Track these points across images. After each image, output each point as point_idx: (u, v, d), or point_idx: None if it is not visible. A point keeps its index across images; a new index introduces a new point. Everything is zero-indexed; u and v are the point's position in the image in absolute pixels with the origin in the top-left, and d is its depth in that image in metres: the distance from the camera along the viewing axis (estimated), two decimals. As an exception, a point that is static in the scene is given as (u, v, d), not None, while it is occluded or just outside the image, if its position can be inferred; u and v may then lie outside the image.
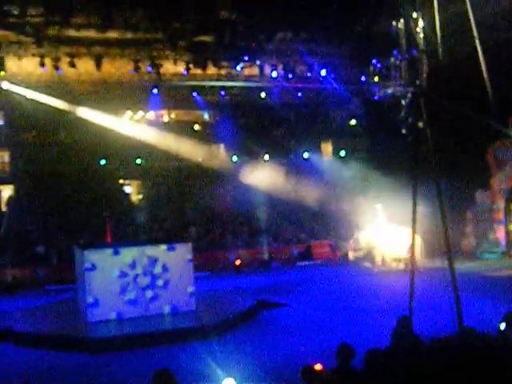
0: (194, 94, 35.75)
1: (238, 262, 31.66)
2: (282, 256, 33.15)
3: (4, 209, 35.38)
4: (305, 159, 38.64)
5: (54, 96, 32.32)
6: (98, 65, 29.84)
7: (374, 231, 29.42)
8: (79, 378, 14.69)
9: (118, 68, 31.59)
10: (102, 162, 35.22)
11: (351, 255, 31.47)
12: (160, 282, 19.69)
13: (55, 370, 15.31)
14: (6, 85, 30.85)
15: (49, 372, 15.11)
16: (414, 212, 15.03)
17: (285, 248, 33.61)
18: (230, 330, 18.23)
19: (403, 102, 15.10)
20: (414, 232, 15.30)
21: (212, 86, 35.15)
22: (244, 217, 35.74)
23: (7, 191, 35.90)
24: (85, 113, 33.45)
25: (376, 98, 15.92)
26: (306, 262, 31.78)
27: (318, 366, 8.31)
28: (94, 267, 19.19)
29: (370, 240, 29.61)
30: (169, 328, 18.33)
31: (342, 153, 39.42)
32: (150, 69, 31.07)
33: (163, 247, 20.31)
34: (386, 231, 28.99)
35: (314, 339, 16.39)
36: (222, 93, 35.94)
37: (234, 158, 38.25)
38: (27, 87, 31.37)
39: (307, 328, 18.18)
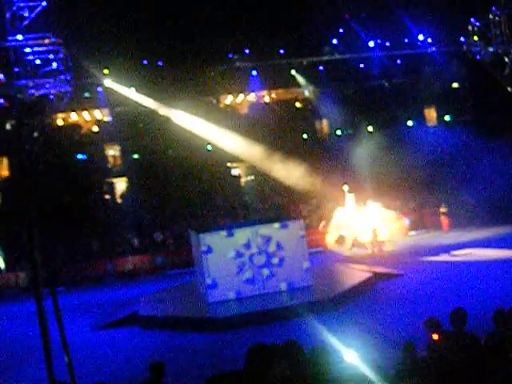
0: (293, 71, 35.80)
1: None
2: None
3: (120, 201, 36.70)
4: (409, 127, 37.96)
5: (153, 91, 33.13)
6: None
7: (345, 214, 28.34)
8: (203, 357, 15.19)
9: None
10: (209, 147, 35.80)
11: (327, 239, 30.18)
12: (275, 260, 20.00)
13: (180, 351, 15.93)
14: (108, 83, 31.98)
15: (174, 352, 15.70)
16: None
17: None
18: (346, 303, 18.37)
19: (506, 60, 14.71)
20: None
21: (310, 62, 35.14)
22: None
23: (121, 184, 37.19)
24: (177, 115, 34.04)
25: (478, 57, 15.43)
26: (417, 231, 31.32)
27: (436, 336, 8.33)
28: (209, 250, 19.73)
29: (340, 223, 28.47)
30: (287, 304, 18.57)
31: (447, 118, 38.42)
32: (247, 51, 31.39)
33: (276, 225, 20.60)
34: (355, 214, 27.94)
35: (430, 308, 16.23)
36: (321, 68, 35.83)
37: (338, 132, 38.08)
38: (127, 84, 32.38)
39: (422, 298, 18.12)
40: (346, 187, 28.44)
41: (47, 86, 25.76)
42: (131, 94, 33.02)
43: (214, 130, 34.23)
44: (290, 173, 34.89)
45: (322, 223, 30.29)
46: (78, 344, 14.71)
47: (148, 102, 33.44)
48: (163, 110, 33.83)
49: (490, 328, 8.06)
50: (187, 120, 33.94)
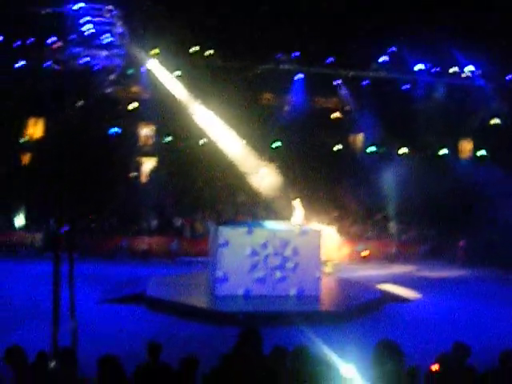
0: (338, 82, 35.84)
1: (364, 254, 31.40)
2: (408, 251, 32.59)
3: (144, 180, 36.97)
4: (440, 156, 37.79)
5: (195, 79, 33.02)
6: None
7: None
8: (199, 348, 15.20)
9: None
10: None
11: None
12: (289, 265, 20.09)
13: (180, 338, 15.97)
14: (153, 63, 32.10)
15: (174, 338, 15.67)
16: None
17: (412, 244, 33.11)
18: (351, 319, 18.39)
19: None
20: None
21: (356, 76, 35.16)
22: (375, 209, 35.34)
23: (149, 164, 37.46)
24: (205, 114, 33.43)
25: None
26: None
27: (435, 367, 8.31)
28: (226, 243, 19.87)
29: None
30: (292, 310, 18.72)
31: (482, 152, 38.19)
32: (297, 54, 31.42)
33: (296, 231, 20.71)
34: None
35: (437, 337, 16.21)
36: (365, 82, 35.84)
37: (371, 149, 38.04)
38: (171, 69, 32.42)
39: (431, 325, 18.11)
40: (296, 202, 26.77)
41: (100, 57, 25.94)
42: (171, 79, 32.85)
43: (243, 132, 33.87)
44: (313, 182, 34.61)
45: None
46: (81, 314, 14.80)
47: (181, 94, 33.04)
48: (193, 106, 33.24)
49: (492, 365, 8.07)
50: (212, 120, 33.46)
